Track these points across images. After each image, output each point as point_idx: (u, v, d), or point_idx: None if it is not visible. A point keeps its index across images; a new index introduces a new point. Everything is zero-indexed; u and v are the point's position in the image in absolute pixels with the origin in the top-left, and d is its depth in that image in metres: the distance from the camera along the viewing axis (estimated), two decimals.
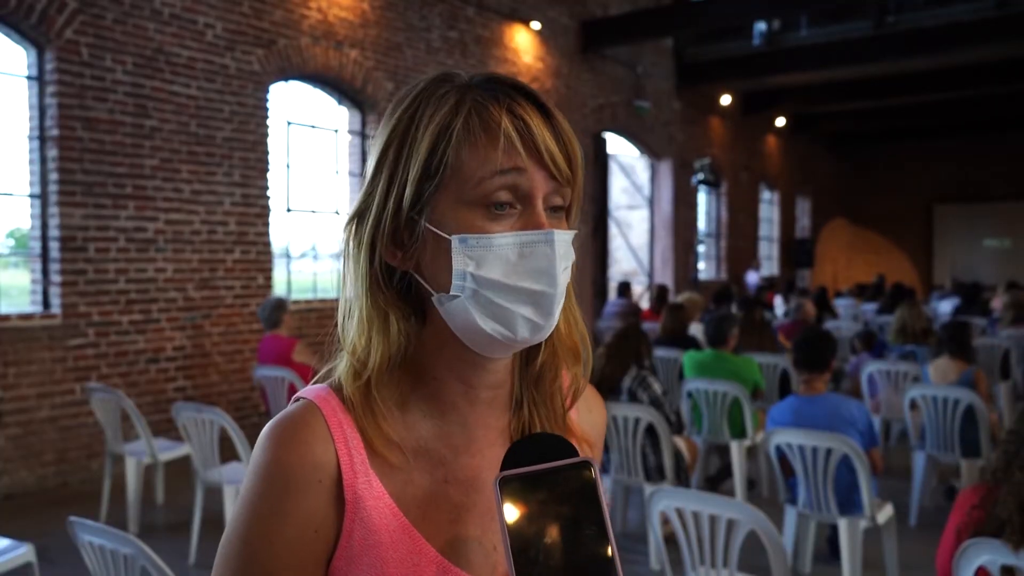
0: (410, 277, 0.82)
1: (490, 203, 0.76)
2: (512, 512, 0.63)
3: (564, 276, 0.78)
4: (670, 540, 3.35)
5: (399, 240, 0.80)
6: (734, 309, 8.97)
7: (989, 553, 1.96)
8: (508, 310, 0.76)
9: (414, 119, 0.78)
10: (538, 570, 0.62)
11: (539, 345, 0.84)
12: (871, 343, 7.05)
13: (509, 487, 0.64)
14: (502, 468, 0.66)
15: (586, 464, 0.66)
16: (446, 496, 0.81)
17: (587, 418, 0.95)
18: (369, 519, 0.77)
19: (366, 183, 0.81)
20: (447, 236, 0.76)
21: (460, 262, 0.76)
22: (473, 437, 0.84)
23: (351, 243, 0.82)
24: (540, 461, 0.66)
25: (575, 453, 0.68)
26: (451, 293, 0.77)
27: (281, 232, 7.24)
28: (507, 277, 0.76)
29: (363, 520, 0.77)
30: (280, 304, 5.45)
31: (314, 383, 0.85)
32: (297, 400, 0.82)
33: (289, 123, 7.26)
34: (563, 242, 0.78)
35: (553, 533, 0.63)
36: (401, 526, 0.78)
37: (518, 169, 0.75)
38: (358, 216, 0.81)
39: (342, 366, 0.83)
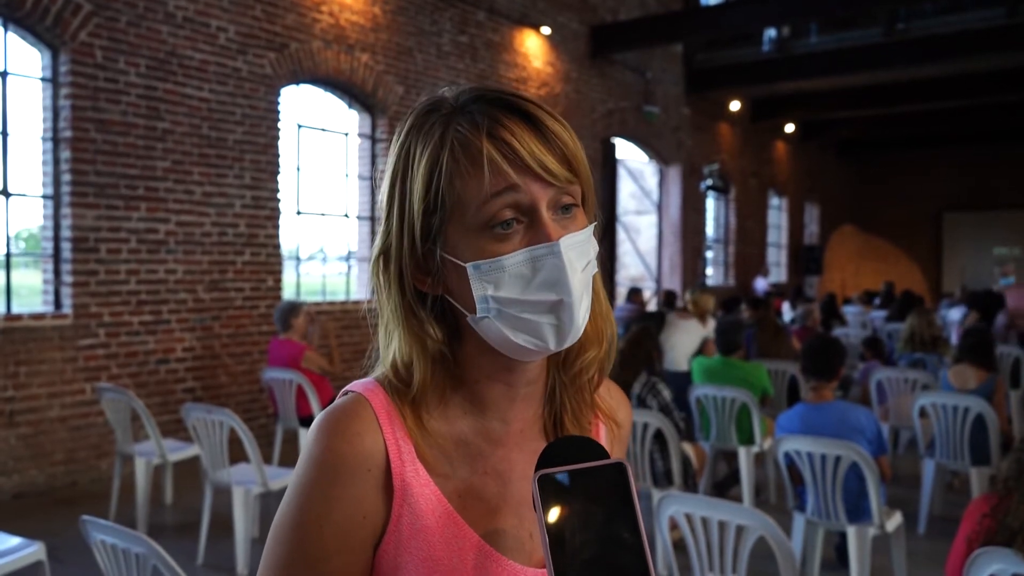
0: (443, 298, 0.84)
1: (495, 225, 0.78)
2: (549, 508, 0.67)
3: (581, 277, 0.80)
4: (679, 546, 3.35)
5: (425, 268, 0.83)
6: (743, 310, 8.96)
7: (1000, 562, 1.95)
8: (533, 321, 0.79)
9: (409, 155, 0.82)
10: (573, 564, 0.65)
11: None
12: (878, 351, 7.03)
13: (546, 484, 0.68)
14: (538, 466, 0.70)
15: (620, 466, 0.69)
16: (485, 487, 0.85)
17: (610, 403, 0.98)
18: (417, 505, 0.81)
19: (383, 220, 0.85)
20: (463, 264, 0.79)
21: (479, 287, 0.79)
22: (511, 431, 0.88)
23: (381, 279, 0.85)
24: (575, 461, 0.69)
25: (607, 455, 0.72)
26: (478, 316, 0.80)
27: (291, 235, 7.27)
28: (524, 293, 0.78)
29: (411, 507, 0.81)
30: (293, 308, 5.47)
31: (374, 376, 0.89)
32: (346, 393, 0.85)
33: (300, 126, 7.29)
34: (574, 245, 0.79)
35: (587, 530, 0.66)
36: (446, 512, 0.82)
37: (511, 187, 0.77)
38: (383, 254, 0.85)
39: (387, 370, 0.86)
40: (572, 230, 0.80)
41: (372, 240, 7.89)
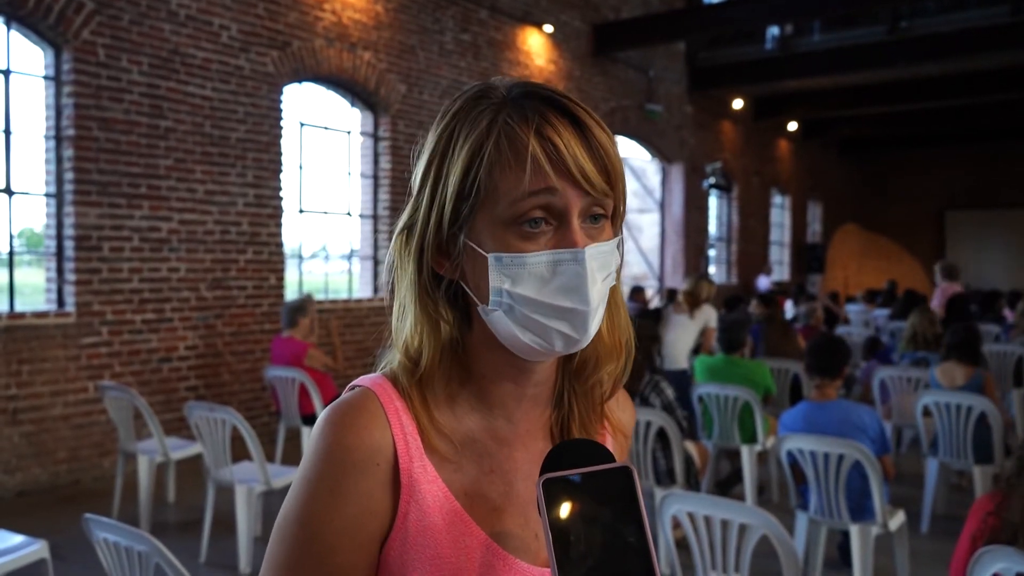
0: (457, 284, 0.85)
1: (524, 222, 0.78)
2: (554, 511, 0.66)
3: (600, 289, 0.80)
4: (681, 544, 3.34)
5: (445, 251, 0.83)
6: (753, 308, 8.93)
7: (1004, 560, 1.95)
8: (543, 324, 0.79)
9: (452, 137, 0.81)
10: (578, 568, 0.64)
11: None
12: (876, 350, 7.03)
13: (551, 488, 0.67)
14: (543, 470, 0.69)
15: (626, 470, 0.69)
16: (491, 486, 0.85)
17: (619, 416, 0.99)
18: (424, 501, 0.80)
19: (413, 196, 0.85)
20: (484, 254, 0.79)
21: (496, 279, 0.79)
22: (517, 431, 0.88)
23: (402, 253, 0.86)
24: (580, 465, 0.69)
25: (612, 459, 0.71)
26: (490, 307, 0.80)
27: (293, 233, 7.28)
28: (540, 294, 0.78)
29: (418, 503, 0.80)
30: (302, 306, 5.47)
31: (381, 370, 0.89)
32: (353, 388, 0.85)
33: (302, 124, 7.29)
34: (597, 255, 0.79)
35: (593, 533, 0.66)
36: (453, 510, 0.81)
37: (549, 189, 0.77)
38: (407, 229, 0.85)
39: (395, 360, 0.86)
40: (599, 240, 0.80)
41: (375, 238, 7.88)
